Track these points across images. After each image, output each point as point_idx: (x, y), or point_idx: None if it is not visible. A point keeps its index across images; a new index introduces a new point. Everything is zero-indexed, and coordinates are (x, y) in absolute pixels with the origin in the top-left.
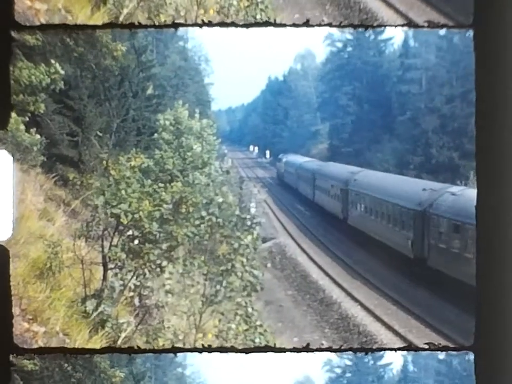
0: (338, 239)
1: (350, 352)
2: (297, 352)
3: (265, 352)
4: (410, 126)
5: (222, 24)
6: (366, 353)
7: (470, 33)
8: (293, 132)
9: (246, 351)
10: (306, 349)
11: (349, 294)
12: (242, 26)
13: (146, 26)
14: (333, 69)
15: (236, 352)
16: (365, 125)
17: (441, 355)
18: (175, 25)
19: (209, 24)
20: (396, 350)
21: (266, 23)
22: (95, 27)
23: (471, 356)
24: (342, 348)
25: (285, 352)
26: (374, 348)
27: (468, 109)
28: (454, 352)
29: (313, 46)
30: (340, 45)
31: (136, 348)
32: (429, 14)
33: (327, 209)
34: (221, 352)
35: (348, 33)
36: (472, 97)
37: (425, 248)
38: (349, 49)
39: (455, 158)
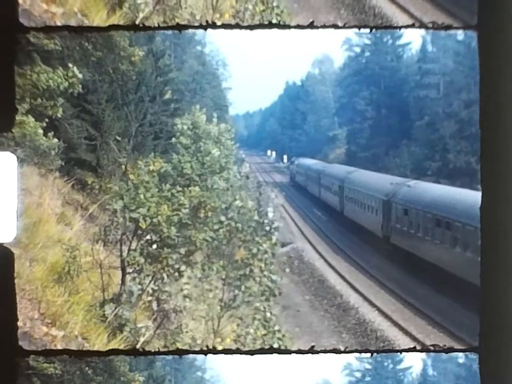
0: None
1: (370, 356)
2: (303, 354)
3: (271, 354)
4: (428, 131)
5: (226, 26)
6: (372, 355)
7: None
8: (310, 136)
9: (251, 352)
10: (311, 351)
11: (366, 299)
12: (246, 28)
13: (151, 28)
14: (350, 74)
15: (241, 354)
16: (382, 130)
17: (461, 359)
18: (179, 27)
19: (213, 25)
20: (400, 352)
21: (271, 24)
22: (100, 29)
23: None
24: (347, 349)
25: (290, 353)
26: (377, 349)
27: None
28: (474, 356)
29: (331, 50)
30: (357, 49)
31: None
32: (445, 19)
33: (329, 203)
34: (226, 354)
35: (365, 38)
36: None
37: (389, 229)
38: (367, 54)
39: (473, 163)
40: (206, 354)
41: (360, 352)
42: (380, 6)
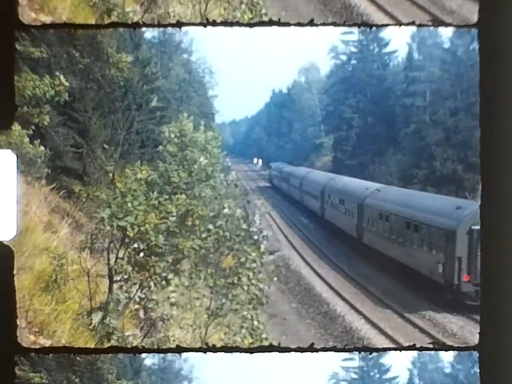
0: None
1: (356, 366)
2: (302, 352)
3: (270, 352)
4: (415, 139)
5: (226, 23)
6: (371, 353)
7: (475, 45)
8: (297, 144)
9: (251, 350)
10: (311, 348)
11: (353, 307)
12: (246, 25)
13: (148, 25)
14: (337, 82)
15: (241, 352)
16: (369, 137)
17: (447, 369)
18: (179, 25)
19: (213, 23)
20: (400, 349)
21: (270, 22)
22: (98, 26)
23: (476, 370)
24: (346, 347)
25: (289, 351)
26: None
27: (472, 122)
28: (460, 366)
29: (317, 58)
30: (344, 57)
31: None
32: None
33: (311, 208)
34: (225, 352)
35: (352, 46)
36: (476, 110)
37: (361, 230)
38: (353, 62)
39: (459, 171)
40: (205, 352)
41: (359, 351)
42: (368, 13)
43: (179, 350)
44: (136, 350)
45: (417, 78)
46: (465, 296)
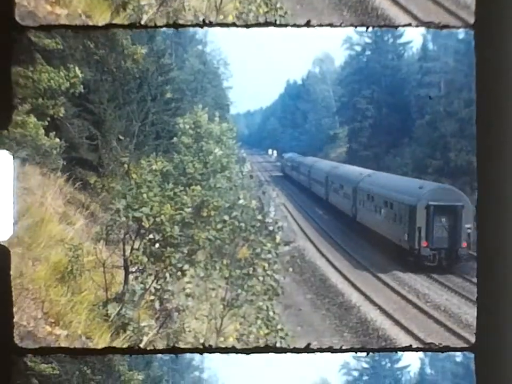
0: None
1: (366, 355)
2: (298, 353)
3: (267, 352)
4: (429, 130)
5: (222, 24)
6: (368, 354)
7: None
8: (311, 135)
9: (247, 351)
10: (307, 349)
11: (367, 298)
12: (243, 26)
13: (148, 27)
14: (351, 73)
15: (237, 352)
16: (383, 128)
17: (459, 357)
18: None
19: (210, 24)
20: (396, 350)
21: (267, 24)
22: (96, 27)
23: None
24: (343, 348)
25: (285, 352)
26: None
27: None
28: (472, 355)
29: (331, 49)
30: (358, 48)
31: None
32: (448, 19)
33: (317, 193)
34: (221, 353)
35: (366, 37)
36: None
37: (355, 210)
38: (368, 52)
39: (474, 162)
40: (201, 353)
41: (356, 351)
42: (383, 7)
43: (177, 350)
44: (134, 351)
45: (431, 69)
46: (424, 258)
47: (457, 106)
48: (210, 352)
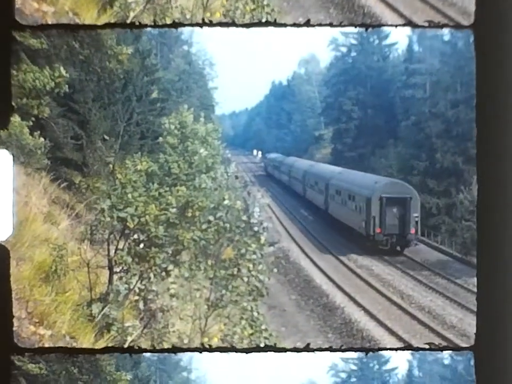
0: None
1: (355, 356)
2: (298, 352)
3: (266, 352)
4: (415, 131)
5: (222, 24)
6: (367, 354)
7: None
8: (296, 136)
9: (247, 351)
10: (307, 349)
11: (352, 299)
12: (243, 26)
13: (146, 26)
14: (337, 74)
15: (236, 351)
16: (369, 129)
17: (447, 360)
18: (175, 25)
19: (210, 24)
20: (396, 349)
21: (267, 23)
22: (95, 27)
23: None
24: (342, 347)
25: (285, 352)
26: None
27: (472, 114)
28: (459, 358)
29: (317, 50)
30: (344, 49)
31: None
32: (433, 17)
33: (296, 190)
34: (221, 352)
35: (352, 38)
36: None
37: (327, 204)
38: (353, 54)
39: (460, 163)
40: (200, 352)
41: (355, 351)
42: (369, 5)
43: (176, 350)
44: (133, 350)
45: (417, 70)
46: (378, 243)
47: (443, 107)
48: (210, 352)
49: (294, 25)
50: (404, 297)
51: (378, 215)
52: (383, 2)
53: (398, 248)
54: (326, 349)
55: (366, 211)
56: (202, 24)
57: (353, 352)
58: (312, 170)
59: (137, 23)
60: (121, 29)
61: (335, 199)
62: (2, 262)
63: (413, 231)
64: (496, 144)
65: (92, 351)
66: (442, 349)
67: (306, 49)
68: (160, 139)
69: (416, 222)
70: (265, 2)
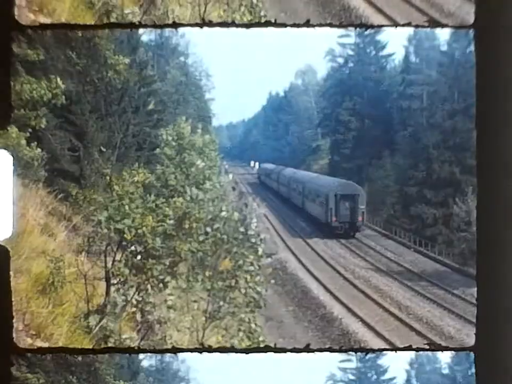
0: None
1: (354, 367)
2: (297, 352)
3: (265, 352)
4: (412, 142)
5: (223, 24)
6: (367, 354)
7: (472, 48)
8: (293, 147)
9: (246, 351)
10: (307, 349)
11: (350, 310)
12: (242, 26)
13: (145, 26)
14: (334, 85)
15: (236, 352)
16: (365, 140)
17: (445, 370)
18: (175, 25)
19: (210, 24)
20: (396, 350)
21: (266, 23)
22: (95, 27)
23: (473, 371)
24: (342, 348)
25: (285, 352)
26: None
27: (469, 124)
28: (458, 368)
29: (314, 61)
30: (341, 60)
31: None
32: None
33: (282, 194)
34: (221, 352)
35: (349, 49)
36: (473, 112)
37: (304, 202)
38: (350, 65)
39: (457, 173)
40: (200, 352)
41: (355, 351)
42: (366, 15)
43: (175, 350)
44: (133, 350)
45: (414, 81)
46: (335, 229)
47: (440, 118)
48: (210, 352)
49: (294, 25)
50: (402, 308)
51: (334, 208)
52: (381, 13)
53: (351, 233)
54: (326, 349)
55: (326, 205)
56: (202, 24)
57: (353, 352)
58: (296, 176)
59: (136, 23)
60: (121, 29)
61: (309, 198)
62: (3, 263)
63: (360, 219)
64: (496, 153)
65: (92, 351)
66: (442, 349)
67: (303, 60)
68: (157, 150)
69: (363, 213)
70: (262, 13)
